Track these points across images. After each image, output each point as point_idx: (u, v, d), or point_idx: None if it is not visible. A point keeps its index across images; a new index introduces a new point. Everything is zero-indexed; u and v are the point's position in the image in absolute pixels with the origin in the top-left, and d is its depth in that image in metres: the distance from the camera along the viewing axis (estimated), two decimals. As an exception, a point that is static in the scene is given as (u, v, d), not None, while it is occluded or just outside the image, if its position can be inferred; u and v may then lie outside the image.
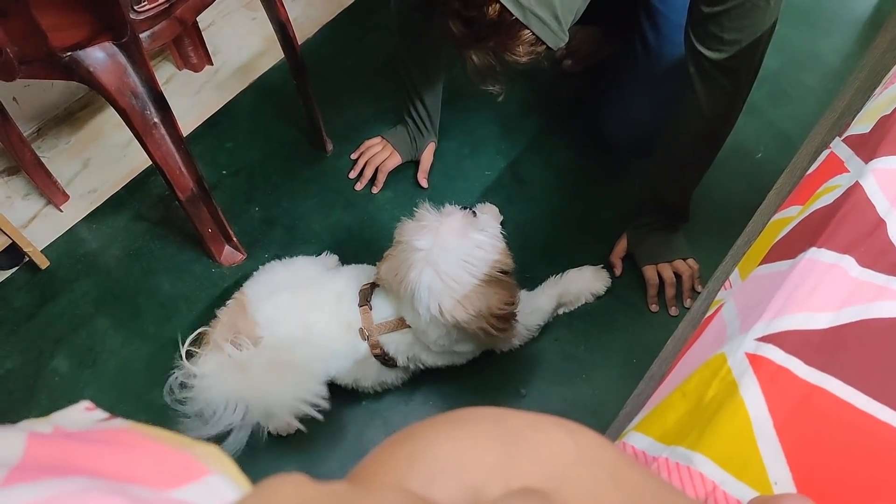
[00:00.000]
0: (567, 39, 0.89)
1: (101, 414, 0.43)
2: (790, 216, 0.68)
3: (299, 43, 1.37)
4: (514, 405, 1.21)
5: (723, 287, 0.70)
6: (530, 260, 1.39)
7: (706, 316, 0.68)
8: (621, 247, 1.37)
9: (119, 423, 0.42)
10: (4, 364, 1.27)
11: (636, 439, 0.54)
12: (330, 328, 1.11)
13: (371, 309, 1.11)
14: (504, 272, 1.04)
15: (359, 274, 1.19)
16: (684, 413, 0.53)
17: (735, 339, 0.55)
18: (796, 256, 0.59)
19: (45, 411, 1.17)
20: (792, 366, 0.52)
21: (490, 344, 1.12)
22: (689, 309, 1.31)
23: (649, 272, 1.34)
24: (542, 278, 1.34)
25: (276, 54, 1.73)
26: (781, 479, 0.48)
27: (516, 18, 0.83)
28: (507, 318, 1.03)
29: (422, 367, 1.16)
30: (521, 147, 1.58)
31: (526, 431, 0.30)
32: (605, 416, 1.20)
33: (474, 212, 1.06)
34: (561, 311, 1.31)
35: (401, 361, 1.13)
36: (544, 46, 0.88)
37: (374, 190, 1.50)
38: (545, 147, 1.58)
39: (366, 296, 1.13)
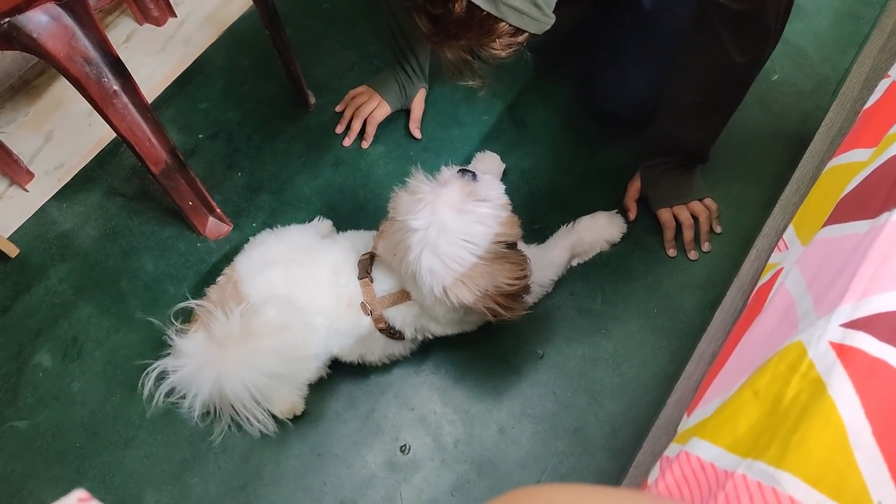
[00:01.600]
0: (553, 20, 0.78)
1: None
2: (857, 162, 0.58)
3: (269, -13, 1.23)
4: (531, 367, 1.15)
5: (776, 248, 0.61)
6: (538, 209, 1.30)
7: (760, 284, 0.60)
8: (635, 188, 1.28)
9: None
10: (-17, 363, 1.19)
11: (701, 448, 0.47)
12: (329, 305, 1.03)
13: (372, 281, 1.03)
14: (511, 245, 0.95)
15: (356, 242, 1.10)
16: (759, 417, 0.45)
17: (813, 324, 0.46)
18: (877, 216, 0.50)
19: (31, 409, 1.09)
20: (889, 356, 0.43)
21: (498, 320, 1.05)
22: (707, 253, 1.24)
23: (665, 215, 1.25)
24: (552, 228, 1.25)
25: (246, 0, 1.58)
26: (887, 497, 0.40)
27: (488, 13, 0.72)
28: (516, 295, 0.95)
29: (430, 337, 1.08)
30: (518, 87, 1.46)
31: None
32: (627, 373, 1.14)
33: (473, 173, 0.96)
34: (575, 263, 1.23)
35: (408, 334, 1.05)
36: (526, 34, 0.78)
37: (364, 144, 1.39)
38: (544, 86, 1.46)
39: (365, 267, 1.04)
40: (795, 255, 0.56)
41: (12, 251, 1.27)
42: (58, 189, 1.37)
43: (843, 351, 0.44)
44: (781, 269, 0.57)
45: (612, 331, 1.18)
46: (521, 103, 1.44)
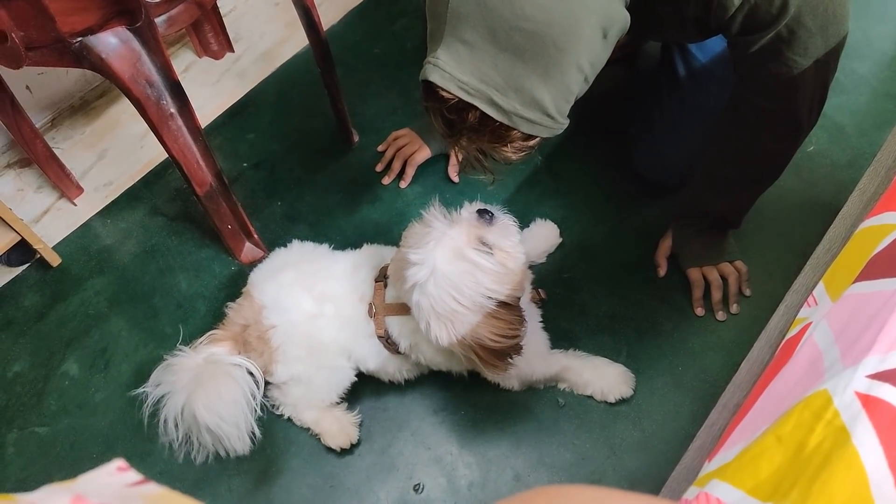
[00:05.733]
0: (567, 125, 0.79)
1: (133, 476, 0.39)
2: (889, 224, 0.59)
3: (324, 29, 1.29)
4: (552, 416, 1.14)
5: (805, 303, 0.61)
6: (568, 259, 1.31)
7: (788, 337, 0.60)
8: (666, 245, 1.29)
9: (152, 489, 0.37)
10: (12, 366, 1.22)
11: (722, 490, 0.46)
12: (342, 294, 1.05)
13: (385, 287, 1.04)
14: (506, 303, 0.93)
15: (382, 252, 1.12)
16: (782, 463, 0.45)
17: (839, 374, 0.46)
18: (907, 274, 0.50)
19: (53, 416, 1.11)
20: (915, 410, 0.43)
21: (481, 371, 1.04)
22: (735, 315, 1.23)
23: (694, 274, 1.25)
24: (580, 279, 1.26)
25: (300, 41, 1.65)
26: (908, 550, 0.40)
27: (501, 122, 0.74)
28: (502, 353, 0.94)
29: (423, 361, 1.07)
30: (556, 140, 1.48)
31: None
32: (648, 429, 1.12)
33: (492, 215, 0.95)
34: (561, 387, 1.17)
35: (402, 347, 1.04)
36: (537, 139, 0.79)
37: (403, 184, 1.43)
38: (581, 139, 1.49)
39: (385, 273, 1.05)
40: (824, 309, 0.57)
41: (55, 260, 1.32)
42: (104, 205, 1.42)
43: (868, 401, 0.44)
44: (810, 323, 0.58)
45: (636, 385, 1.17)
46: (558, 155, 1.47)
